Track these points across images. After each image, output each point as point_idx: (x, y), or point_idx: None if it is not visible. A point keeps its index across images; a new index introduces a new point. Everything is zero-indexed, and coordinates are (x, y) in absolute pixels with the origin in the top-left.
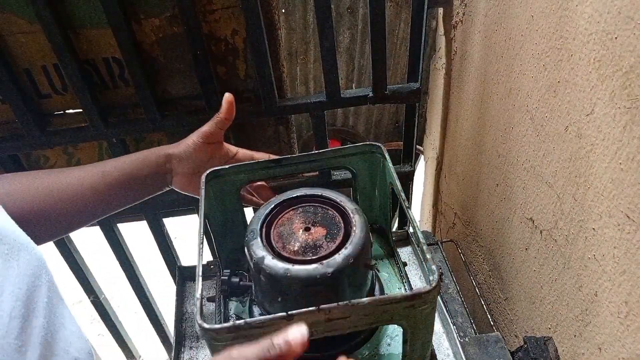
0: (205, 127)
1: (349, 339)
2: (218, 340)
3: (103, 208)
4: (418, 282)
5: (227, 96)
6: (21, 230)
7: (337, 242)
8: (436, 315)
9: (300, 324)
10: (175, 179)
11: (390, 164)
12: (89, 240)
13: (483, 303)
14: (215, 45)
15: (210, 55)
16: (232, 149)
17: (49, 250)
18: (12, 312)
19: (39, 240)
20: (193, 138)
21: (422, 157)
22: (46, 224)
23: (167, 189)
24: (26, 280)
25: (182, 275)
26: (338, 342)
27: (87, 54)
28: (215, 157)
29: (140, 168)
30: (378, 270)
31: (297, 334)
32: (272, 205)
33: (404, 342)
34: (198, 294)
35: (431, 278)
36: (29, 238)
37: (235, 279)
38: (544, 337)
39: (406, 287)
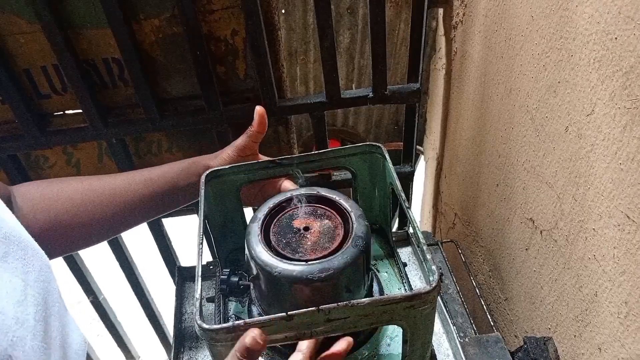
0: (239, 141)
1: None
2: (217, 341)
3: (142, 215)
4: (418, 283)
5: (259, 109)
6: (30, 236)
7: (337, 242)
8: (436, 315)
9: (252, 329)
10: None
11: (390, 164)
12: None
13: (483, 303)
14: (215, 46)
15: (210, 56)
16: (266, 159)
17: None
18: (36, 316)
19: (73, 247)
20: (228, 152)
21: (422, 158)
22: (85, 229)
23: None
24: (41, 285)
25: (182, 276)
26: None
27: (87, 54)
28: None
29: (183, 178)
30: (378, 271)
31: (250, 338)
32: (272, 205)
33: (404, 342)
34: (197, 294)
35: (431, 278)
36: (37, 245)
37: (235, 279)
38: (544, 337)
39: (406, 287)
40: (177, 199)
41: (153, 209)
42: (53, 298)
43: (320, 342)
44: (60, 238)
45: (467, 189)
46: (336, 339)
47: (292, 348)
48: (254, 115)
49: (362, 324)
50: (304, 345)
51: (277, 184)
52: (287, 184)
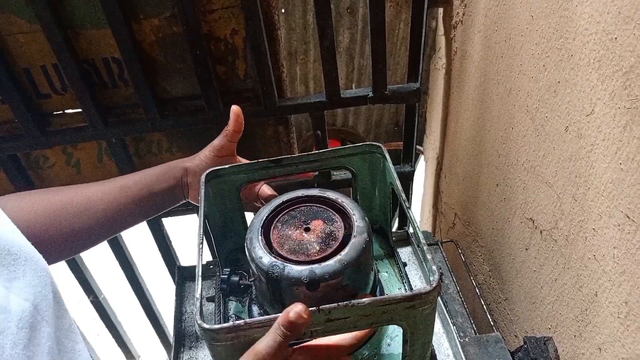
0: (216, 141)
1: None
2: (217, 340)
3: (121, 223)
4: (418, 283)
5: (234, 108)
6: (27, 241)
7: (338, 242)
8: (436, 315)
9: (297, 304)
10: (191, 192)
11: (391, 164)
12: None
13: (483, 303)
14: (214, 45)
15: (210, 55)
16: (244, 161)
17: None
18: (20, 323)
19: (51, 259)
20: (205, 152)
21: (422, 157)
22: (62, 240)
23: (184, 201)
24: (32, 290)
25: (182, 276)
26: None
27: (87, 54)
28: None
29: (159, 182)
30: (378, 271)
31: (294, 313)
32: (273, 206)
33: (404, 342)
34: (197, 294)
35: (431, 278)
36: (34, 249)
37: (235, 278)
38: (544, 337)
39: (406, 287)
40: (156, 204)
41: (132, 215)
42: (47, 303)
43: None
44: (43, 249)
45: (467, 189)
46: None
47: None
48: (230, 115)
49: (363, 324)
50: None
51: (254, 188)
52: (264, 188)
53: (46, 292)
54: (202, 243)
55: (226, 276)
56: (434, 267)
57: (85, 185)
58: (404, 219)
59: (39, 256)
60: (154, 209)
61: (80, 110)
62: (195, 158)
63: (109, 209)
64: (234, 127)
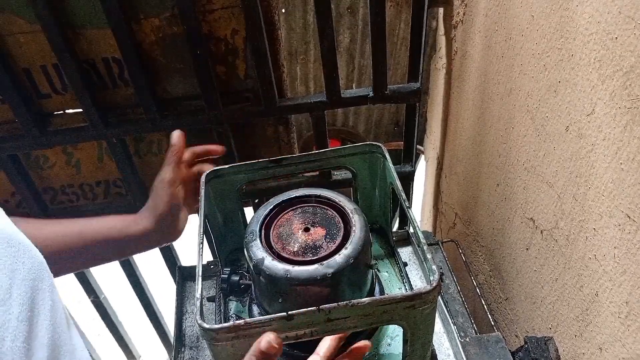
0: (166, 175)
1: (349, 339)
2: (218, 340)
3: (83, 262)
4: (418, 282)
5: (174, 132)
6: (24, 235)
7: (337, 242)
8: (437, 315)
9: (267, 333)
10: (173, 232)
11: (391, 164)
12: None
13: (484, 303)
14: (215, 45)
15: (210, 55)
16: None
17: None
18: (20, 316)
19: None
20: (163, 198)
21: (422, 157)
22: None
23: (167, 243)
24: (30, 284)
25: (182, 275)
26: None
27: (87, 54)
28: (181, 189)
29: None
30: (378, 270)
31: (265, 342)
32: (272, 206)
33: (404, 342)
34: (198, 294)
35: (431, 278)
36: (30, 242)
37: (235, 278)
38: (545, 337)
39: (406, 287)
40: (119, 250)
41: (92, 256)
42: (43, 296)
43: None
44: None
45: (468, 189)
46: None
47: (295, 347)
48: (171, 139)
49: (363, 324)
50: (322, 349)
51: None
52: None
53: (42, 286)
54: (202, 243)
55: (226, 276)
56: (434, 267)
57: (44, 221)
58: (405, 219)
59: (35, 249)
60: (119, 253)
61: (80, 110)
62: (143, 212)
63: (64, 250)
64: (177, 143)
